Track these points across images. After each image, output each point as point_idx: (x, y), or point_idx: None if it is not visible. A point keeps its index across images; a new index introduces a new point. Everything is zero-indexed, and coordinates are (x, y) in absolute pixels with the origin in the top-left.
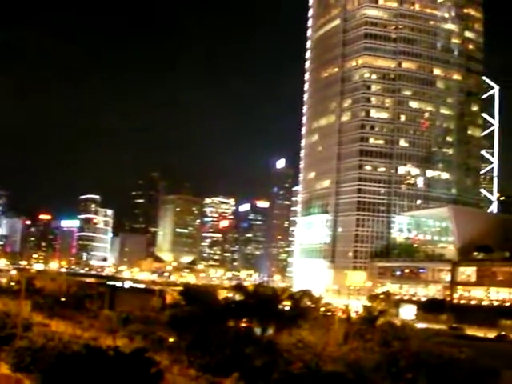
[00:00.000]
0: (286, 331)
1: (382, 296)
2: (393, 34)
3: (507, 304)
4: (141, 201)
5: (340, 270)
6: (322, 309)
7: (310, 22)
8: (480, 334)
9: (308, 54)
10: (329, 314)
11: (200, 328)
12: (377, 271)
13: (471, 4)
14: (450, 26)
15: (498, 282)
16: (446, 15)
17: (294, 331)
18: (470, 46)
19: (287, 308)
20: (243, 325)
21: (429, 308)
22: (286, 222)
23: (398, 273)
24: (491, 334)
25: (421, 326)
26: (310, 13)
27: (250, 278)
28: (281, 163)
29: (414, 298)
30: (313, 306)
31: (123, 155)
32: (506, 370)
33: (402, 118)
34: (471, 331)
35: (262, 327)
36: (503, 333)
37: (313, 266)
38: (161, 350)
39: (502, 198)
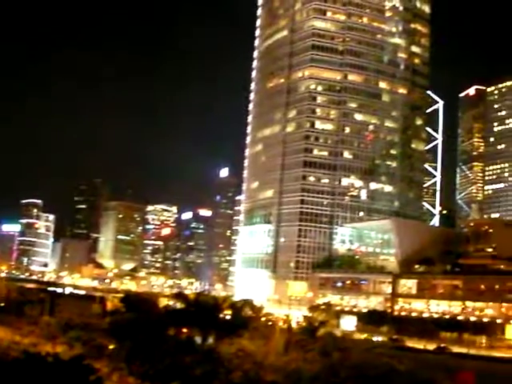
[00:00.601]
0: (226, 340)
1: (322, 307)
2: (340, 46)
3: (447, 316)
4: (83, 206)
5: (281, 280)
6: (263, 318)
7: (257, 32)
8: (420, 345)
9: (255, 64)
10: (270, 323)
11: (140, 336)
12: (318, 282)
13: (418, 19)
14: (396, 40)
15: (438, 294)
16: (394, 29)
17: (235, 340)
18: (416, 61)
19: (228, 317)
20: (184, 333)
21: (369, 319)
22: (229, 231)
23: (340, 284)
24: (431, 346)
25: (361, 337)
26: (258, 23)
27: (191, 287)
28: (224, 172)
29: (355, 310)
30: (254, 315)
31: (66, 160)
32: (445, 382)
33: (347, 129)
34: (411, 343)
35: (203, 336)
36: (443, 345)
37: (254, 276)
38: (100, 357)
39: (444, 212)
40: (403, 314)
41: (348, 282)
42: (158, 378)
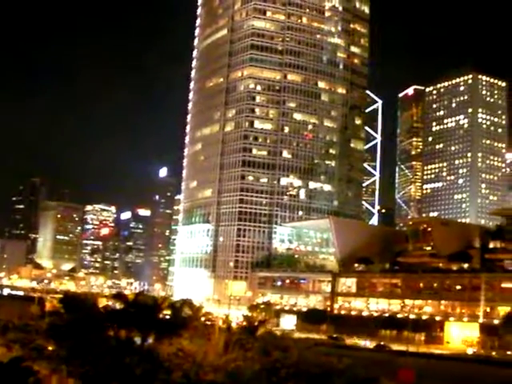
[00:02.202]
0: (166, 340)
1: (262, 306)
2: (279, 46)
3: (386, 314)
4: (21, 206)
5: (221, 280)
6: (203, 318)
7: (197, 32)
8: (359, 343)
9: (194, 63)
10: (209, 323)
11: (80, 337)
12: (258, 281)
13: (357, 20)
14: (336, 40)
15: (377, 292)
16: (333, 29)
17: (175, 340)
18: (355, 61)
19: (168, 317)
20: (123, 334)
21: (309, 318)
22: (168, 231)
23: (279, 283)
24: (371, 344)
25: (301, 335)
26: (198, 22)
27: (131, 287)
28: (163, 172)
29: (295, 309)
30: (193, 315)
31: (3, 159)
32: (384, 379)
33: (286, 129)
34: (351, 341)
35: (142, 336)
36: (382, 343)
37: (194, 276)
38: (40, 358)
39: (383, 211)
40: (343, 312)
41: (287, 281)
42: (97, 379)
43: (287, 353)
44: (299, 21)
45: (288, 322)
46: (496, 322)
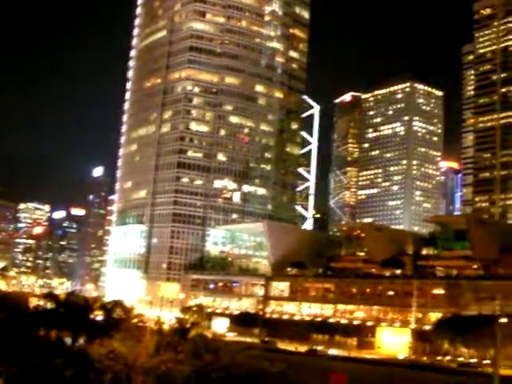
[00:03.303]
0: (97, 341)
1: (194, 308)
2: (218, 48)
3: (319, 319)
4: None
5: (153, 281)
6: (135, 320)
7: (136, 31)
8: (292, 347)
9: (132, 63)
10: (141, 325)
11: (9, 336)
12: (190, 283)
13: (297, 24)
14: (275, 44)
15: (310, 297)
16: (272, 34)
17: (106, 342)
18: (294, 65)
19: (99, 318)
20: (54, 334)
21: (241, 321)
22: (101, 231)
23: (212, 286)
24: (303, 348)
25: (233, 339)
26: (137, 22)
27: (63, 287)
28: (98, 171)
29: (227, 311)
30: (125, 316)
31: None
32: (316, 383)
33: (222, 132)
34: (283, 345)
35: (73, 337)
36: (314, 347)
37: (126, 276)
38: None
39: (317, 216)
40: (275, 316)
41: (220, 283)
42: (27, 380)
43: (218, 356)
44: (239, 24)
45: (220, 325)
46: (427, 327)
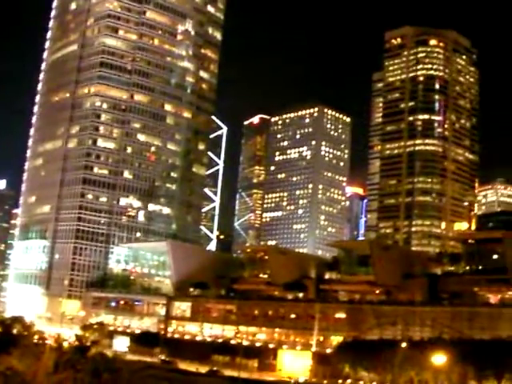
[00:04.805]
0: None
1: (95, 326)
2: (129, 65)
3: (220, 340)
4: None
5: (55, 298)
6: (35, 336)
7: (47, 44)
8: (192, 368)
9: (42, 76)
10: (40, 342)
11: None
12: (92, 301)
13: (209, 45)
14: (186, 64)
15: (212, 318)
16: (184, 53)
17: (4, 358)
18: (203, 86)
19: None
20: None
21: (143, 341)
22: (3, 245)
23: (113, 304)
24: (203, 369)
25: (133, 358)
26: (49, 35)
27: None
28: (2, 184)
29: (129, 330)
30: (24, 333)
31: None
32: None
33: (129, 149)
34: (184, 365)
35: None
36: (215, 368)
37: (27, 292)
38: None
39: (222, 237)
40: (177, 336)
41: (122, 302)
42: None
43: (118, 375)
44: (151, 42)
45: (121, 344)
46: (329, 351)
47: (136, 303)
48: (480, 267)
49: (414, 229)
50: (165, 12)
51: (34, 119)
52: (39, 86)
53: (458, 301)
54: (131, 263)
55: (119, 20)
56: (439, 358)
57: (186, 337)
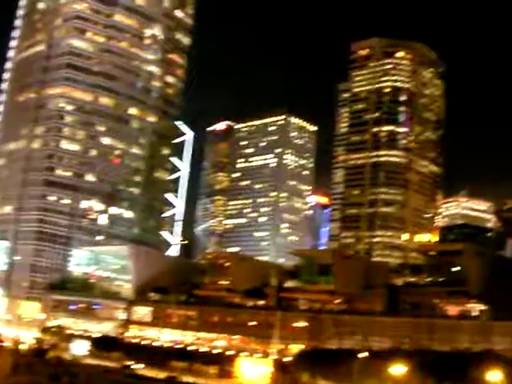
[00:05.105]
0: None
1: (54, 329)
2: (95, 67)
3: (179, 346)
4: None
5: (14, 300)
6: None
7: (14, 43)
8: (151, 373)
9: (7, 75)
10: None
11: None
12: (51, 304)
13: (177, 50)
14: (152, 68)
15: (171, 323)
16: (151, 57)
17: None
18: (169, 91)
19: None
20: None
21: (102, 345)
22: None
23: (73, 307)
24: (162, 375)
25: (92, 362)
26: (16, 33)
27: None
28: None
29: (88, 334)
30: None
31: None
32: None
33: (93, 152)
34: (142, 371)
35: None
36: (173, 374)
37: None
38: None
39: (183, 242)
40: (136, 340)
41: (82, 305)
42: None
43: (76, 378)
44: (118, 45)
45: (80, 348)
46: (288, 359)
47: (96, 307)
48: (440, 279)
49: (375, 239)
50: (133, 15)
51: None
52: (4, 85)
53: (418, 312)
54: (92, 266)
55: (87, 22)
56: (398, 369)
57: (145, 342)
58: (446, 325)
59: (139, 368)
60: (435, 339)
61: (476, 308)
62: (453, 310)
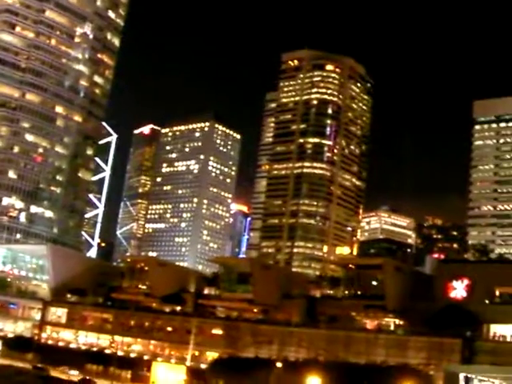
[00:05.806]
0: None
1: None
2: (23, 63)
3: (95, 349)
4: None
5: None
6: None
7: None
8: (64, 376)
9: None
10: None
11: None
12: None
13: (106, 50)
14: (81, 67)
15: (87, 326)
16: (80, 56)
17: None
18: (97, 91)
19: None
20: None
21: (15, 345)
22: None
23: None
24: (76, 378)
25: (4, 362)
26: None
27: None
28: None
29: (1, 334)
30: None
31: None
32: None
33: (16, 149)
34: (56, 373)
35: None
36: (88, 377)
37: None
38: None
39: (103, 244)
40: (51, 342)
41: None
42: None
43: None
44: (47, 41)
45: None
46: (203, 366)
47: (11, 306)
48: (359, 292)
49: (295, 250)
50: (65, 13)
51: None
52: None
53: (336, 324)
54: (9, 265)
55: (17, 16)
56: (313, 380)
57: (61, 343)
58: (362, 338)
59: (52, 370)
60: (351, 352)
61: (392, 322)
62: (370, 323)
